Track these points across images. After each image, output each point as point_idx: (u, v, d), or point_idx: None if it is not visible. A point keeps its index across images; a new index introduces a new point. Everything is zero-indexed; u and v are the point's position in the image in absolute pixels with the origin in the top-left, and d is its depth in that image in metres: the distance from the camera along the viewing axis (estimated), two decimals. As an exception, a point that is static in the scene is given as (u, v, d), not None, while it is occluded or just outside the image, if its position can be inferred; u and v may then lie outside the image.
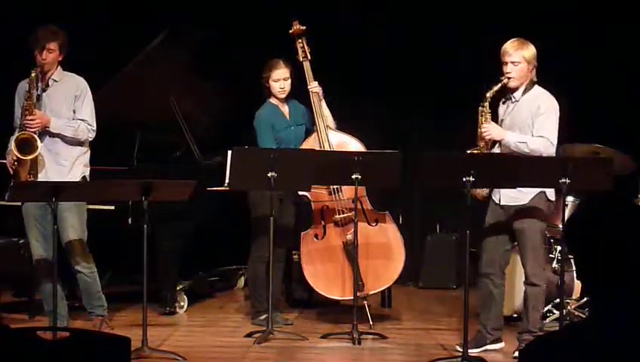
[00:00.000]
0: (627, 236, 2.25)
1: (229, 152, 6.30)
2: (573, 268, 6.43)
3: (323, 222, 6.74)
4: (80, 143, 6.15)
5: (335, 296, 6.71)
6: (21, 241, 6.65)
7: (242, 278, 8.13)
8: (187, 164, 7.18)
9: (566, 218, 5.99)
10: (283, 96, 6.74)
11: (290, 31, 6.83)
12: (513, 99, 5.80)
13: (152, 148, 7.27)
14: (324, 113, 6.75)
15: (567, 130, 5.95)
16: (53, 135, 6.05)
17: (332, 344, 6.21)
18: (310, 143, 6.71)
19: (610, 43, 7.93)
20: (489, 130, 5.74)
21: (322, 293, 6.75)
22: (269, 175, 6.07)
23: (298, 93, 6.83)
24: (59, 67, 6.14)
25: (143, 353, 5.59)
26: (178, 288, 7.08)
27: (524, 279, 5.84)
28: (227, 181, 6.41)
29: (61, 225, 6.01)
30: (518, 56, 5.70)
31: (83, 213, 6.14)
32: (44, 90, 6.08)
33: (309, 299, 7.25)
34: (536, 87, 5.81)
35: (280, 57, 6.72)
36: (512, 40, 5.77)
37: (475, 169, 5.51)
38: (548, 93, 5.81)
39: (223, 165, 6.51)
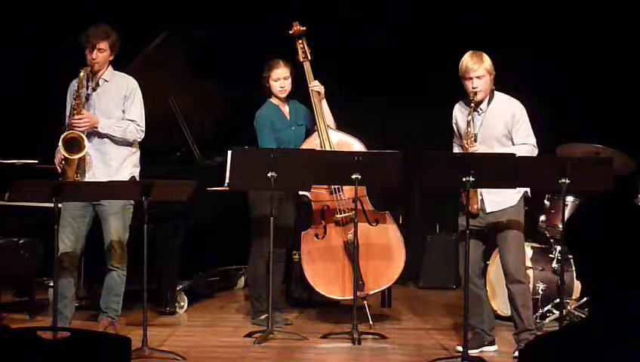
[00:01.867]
0: (627, 236, 2.25)
1: (229, 152, 6.30)
2: (573, 268, 6.42)
3: (323, 222, 6.74)
4: (129, 144, 6.14)
5: (335, 295, 6.71)
6: (21, 241, 6.65)
7: (242, 278, 8.13)
8: (187, 164, 7.18)
9: (566, 218, 5.99)
10: (283, 95, 6.75)
11: (290, 31, 6.83)
12: (480, 112, 5.79)
13: (152, 148, 7.27)
14: (324, 112, 6.75)
15: (567, 130, 5.96)
16: (101, 135, 6.04)
17: (332, 344, 6.21)
18: (311, 143, 6.72)
19: (610, 43, 7.93)
20: (478, 150, 5.72)
21: (322, 293, 6.75)
22: (269, 175, 6.07)
23: (298, 93, 6.84)
24: (109, 67, 6.13)
25: (143, 353, 5.59)
26: (178, 288, 7.08)
27: (506, 279, 5.82)
28: (227, 181, 6.41)
29: (105, 227, 6.05)
30: (482, 70, 5.69)
31: (128, 215, 6.13)
32: (94, 90, 6.07)
33: (309, 299, 7.26)
34: (497, 94, 5.81)
35: (280, 58, 6.72)
36: (469, 55, 5.74)
37: (475, 169, 5.50)
38: (510, 97, 5.82)
39: (223, 165, 6.51)
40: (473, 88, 5.69)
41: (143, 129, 6.14)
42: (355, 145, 6.72)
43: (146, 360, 5.59)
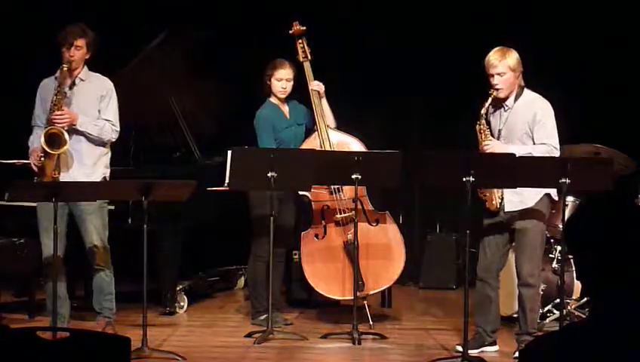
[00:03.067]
0: (627, 236, 2.25)
1: (229, 152, 6.30)
2: (573, 268, 6.42)
3: (324, 222, 6.74)
4: (103, 144, 6.13)
5: (335, 295, 6.71)
6: (21, 241, 6.65)
7: (242, 278, 8.13)
8: (187, 164, 7.18)
9: (566, 218, 5.98)
10: (283, 96, 6.74)
11: (291, 31, 6.83)
12: (506, 108, 5.77)
13: (152, 148, 7.28)
14: (324, 112, 6.75)
15: (567, 130, 5.95)
16: (77, 134, 6.03)
17: (332, 344, 6.21)
18: (311, 143, 6.71)
19: (610, 43, 7.93)
20: (491, 146, 5.72)
21: (322, 293, 6.74)
22: (269, 175, 6.07)
23: (298, 93, 6.83)
24: (85, 66, 6.13)
25: (143, 353, 5.59)
26: (178, 288, 7.08)
27: (518, 280, 5.83)
28: (227, 181, 6.40)
29: (84, 228, 6.05)
30: (504, 67, 5.68)
31: (105, 214, 6.14)
32: (70, 89, 6.07)
33: (309, 299, 7.25)
34: (527, 92, 5.79)
35: (281, 58, 6.71)
36: (493, 51, 5.73)
37: (475, 169, 5.50)
38: (540, 96, 5.80)
39: (223, 165, 6.50)
40: (494, 85, 5.67)
41: (118, 130, 6.14)
42: (354, 145, 6.72)
43: (145, 360, 5.59)
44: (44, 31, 7.77)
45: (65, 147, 5.89)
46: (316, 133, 6.74)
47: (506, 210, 5.77)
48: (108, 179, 6.16)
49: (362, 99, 8.10)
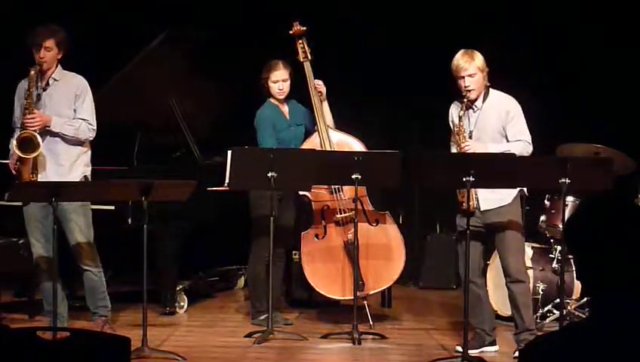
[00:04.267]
0: (627, 236, 2.25)
1: (229, 152, 6.30)
2: (573, 268, 6.42)
3: (324, 222, 6.74)
4: (80, 143, 6.13)
5: (335, 295, 6.71)
6: (21, 241, 6.65)
7: (242, 278, 8.13)
8: (187, 164, 7.18)
9: (566, 218, 5.99)
10: (282, 97, 6.75)
11: (291, 32, 6.83)
12: (475, 109, 5.80)
13: (152, 148, 7.27)
14: (325, 112, 6.75)
15: (568, 130, 5.96)
16: (53, 135, 6.03)
17: (332, 344, 6.21)
18: (311, 143, 6.71)
19: (610, 43, 7.93)
20: (471, 146, 5.73)
21: (323, 293, 6.74)
22: (269, 175, 6.07)
23: (298, 93, 6.83)
24: (59, 66, 6.12)
25: (143, 353, 5.59)
26: (178, 288, 7.08)
27: (506, 279, 5.82)
28: (227, 181, 6.40)
29: (68, 227, 6.04)
30: (473, 68, 5.72)
31: (88, 213, 6.14)
32: (44, 90, 6.06)
33: (309, 299, 7.25)
34: (492, 92, 5.83)
35: (280, 58, 6.72)
36: (460, 54, 5.77)
37: (475, 169, 5.50)
38: (506, 95, 5.83)
39: (223, 165, 6.50)
40: (466, 87, 5.72)
41: (95, 128, 6.12)
42: (355, 145, 6.72)
43: (145, 360, 5.59)
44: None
45: (38, 150, 5.87)
46: (316, 133, 6.74)
47: (482, 208, 5.77)
48: (89, 177, 6.14)
49: (362, 99, 8.10)
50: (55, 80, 6.10)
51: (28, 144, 5.87)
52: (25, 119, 5.93)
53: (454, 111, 5.87)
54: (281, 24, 6.90)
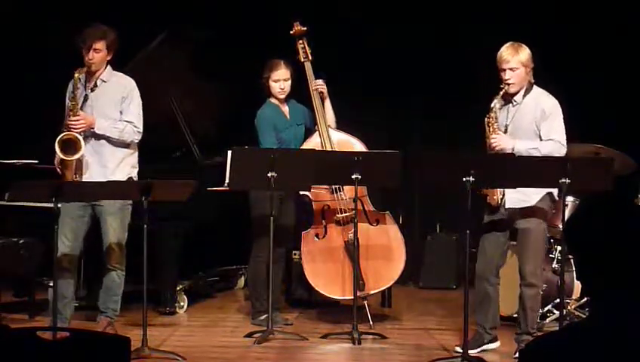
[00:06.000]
0: (627, 236, 2.25)
1: (229, 152, 6.30)
2: (573, 268, 6.42)
3: (324, 222, 6.74)
4: (126, 145, 6.11)
5: (335, 295, 6.71)
6: (21, 241, 6.65)
7: (242, 278, 8.13)
8: (187, 164, 7.18)
9: (566, 218, 5.98)
10: (282, 97, 6.75)
11: (291, 32, 6.83)
12: (514, 103, 5.78)
13: (152, 148, 7.27)
14: (326, 112, 6.75)
15: (567, 130, 5.95)
16: (98, 136, 6.01)
17: (332, 344, 6.21)
18: (311, 143, 6.72)
19: (610, 42, 7.93)
20: (498, 140, 5.71)
21: (323, 293, 6.74)
22: (269, 175, 6.08)
23: (298, 93, 6.83)
24: (108, 67, 6.09)
25: (143, 353, 5.59)
26: (178, 288, 7.08)
27: (521, 280, 5.82)
28: (227, 181, 6.41)
29: (104, 228, 6.04)
30: (516, 62, 5.69)
31: (126, 217, 6.11)
32: (92, 90, 6.04)
33: (309, 299, 7.25)
34: (535, 88, 5.80)
35: (281, 58, 6.72)
36: (506, 46, 5.74)
37: (475, 169, 5.50)
38: (547, 93, 5.80)
39: (223, 165, 6.50)
40: (506, 80, 5.69)
41: (141, 130, 6.11)
42: (355, 145, 6.72)
43: (145, 360, 5.59)
44: (44, 31, 7.80)
45: (80, 152, 5.86)
46: (317, 132, 6.74)
47: (507, 206, 5.77)
48: (135, 178, 6.13)
49: (362, 99, 8.10)
50: (103, 81, 6.07)
51: (70, 146, 5.85)
52: (69, 121, 5.91)
53: (498, 104, 5.81)
54: (282, 24, 6.91)
